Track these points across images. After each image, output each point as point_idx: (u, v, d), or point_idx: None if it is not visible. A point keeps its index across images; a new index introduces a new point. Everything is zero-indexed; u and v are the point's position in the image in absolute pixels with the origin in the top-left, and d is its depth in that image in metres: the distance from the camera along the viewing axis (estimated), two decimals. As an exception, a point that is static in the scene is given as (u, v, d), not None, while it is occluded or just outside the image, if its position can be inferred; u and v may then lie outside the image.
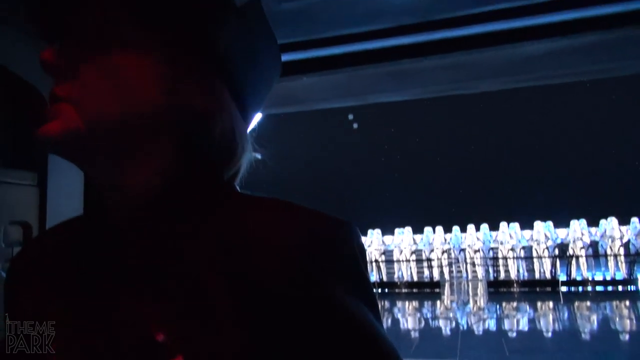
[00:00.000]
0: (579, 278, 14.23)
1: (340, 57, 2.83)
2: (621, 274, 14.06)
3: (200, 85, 0.55)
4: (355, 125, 19.83)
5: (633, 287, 13.45)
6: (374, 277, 15.58)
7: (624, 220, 14.57)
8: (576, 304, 12.27)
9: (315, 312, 0.48)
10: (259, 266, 0.49)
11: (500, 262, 15.34)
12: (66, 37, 0.53)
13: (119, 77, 0.51)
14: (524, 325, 10.11)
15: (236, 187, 0.61)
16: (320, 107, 3.73)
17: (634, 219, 14.49)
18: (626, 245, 14.32)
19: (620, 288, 13.70)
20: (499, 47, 2.63)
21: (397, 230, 16.76)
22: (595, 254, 14.75)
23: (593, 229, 14.96)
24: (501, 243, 15.56)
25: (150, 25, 0.53)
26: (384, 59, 2.82)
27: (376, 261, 15.82)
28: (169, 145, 0.55)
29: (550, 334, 9.16)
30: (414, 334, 9.26)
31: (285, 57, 2.96)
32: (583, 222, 15.08)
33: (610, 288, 13.78)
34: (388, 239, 16.73)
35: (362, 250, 0.54)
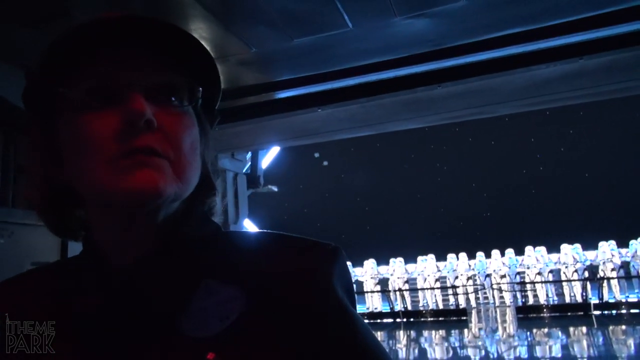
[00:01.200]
0: (611, 301, 13.71)
1: (354, 88, 2.86)
2: (656, 295, 13.53)
3: (207, 147, 0.66)
4: (325, 163, 19.65)
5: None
6: (398, 306, 15.28)
7: (655, 240, 14.08)
8: (611, 328, 11.79)
9: (334, 320, 0.56)
10: (283, 289, 0.56)
11: (528, 286, 14.92)
12: (152, 94, 0.56)
13: (196, 148, 0.59)
14: (557, 352, 9.72)
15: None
16: (337, 138, 3.76)
17: (666, 238, 14.01)
18: (659, 265, 13.81)
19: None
20: (514, 72, 2.62)
21: (419, 258, 16.48)
22: (628, 275, 14.25)
23: (623, 250, 14.49)
24: (528, 267, 15.16)
25: (202, 105, 0.62)
26: (398, 88, 2.84)
27: (400, 290, 15.54)
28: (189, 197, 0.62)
29: (586, 361, 8.78)
30: (443, 365, 8.97)
31: (298, 91, 3.00)
32: (612, 243, 14.62)
33: (645, 310, 13.23)
34: (411, 267, 16.45)
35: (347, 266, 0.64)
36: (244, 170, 5.60)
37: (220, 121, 0.71)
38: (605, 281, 13.82)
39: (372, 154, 19.86)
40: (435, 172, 19.68)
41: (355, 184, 20.00)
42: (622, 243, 14.56)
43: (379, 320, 14.94)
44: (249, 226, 6.87)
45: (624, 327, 11.85)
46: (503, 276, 15.36)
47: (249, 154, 5.75)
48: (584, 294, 13.93)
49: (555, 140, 18.68)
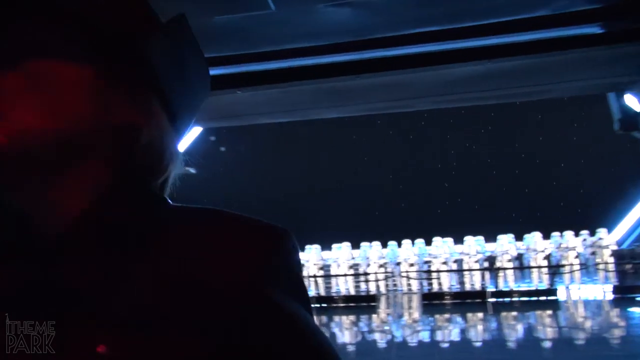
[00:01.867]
0: (506, 289, 14.93)
1: (275, 73, 2.83)
2: (543, 285, 14.92)
3: (129, 96, 0.55)
4: (222, 149, 18.96)
5: (554, 297, 14.30)
6: (312, 291, 15.55)
7: (546, 235, 15.58)
8: (503, 314, 12.84)
9: (259, 316, 0.50)
10: (205, 277, 0.50)
11: (434, 274, 15.81)
12: None
13: (45, 88, 0.50)
14: (455, 336, 10.43)
15: (166, 197, 0.60)
16: (256, 122, 3.71)
17: (555, 233, 15.52)
18: (547, 258, 15.26)
19: (543, 298, 14.52)
20: (428, 68, 2.73)
21: (335, 246, 16.86)
22: (520, 266, 15.57)
23: (519, 243, 15.80)
24: (435, 257, 16.05)
25: (75, 34, 0.51)
26: (318, 75, 2.85)
27: (314, 276, 15.82)
28: (98, 159, 0.54)
29: (480, 344, 9.51)
30: (351, 348, 9.31)
31: (218, 71, 2.92)
32: (510, 236, 15.90)
33: (534, 298, 14.56)
34: (327, 254, 16.79)
35: (298, 254, 0.57)
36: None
37: None
38: (501, 271, 15.01)
39: (295, 142, 19.93)
40: (354, 162, 20.16)
41: (276, 171, 19.98)
42: (518, 237, 15.89)
43: (292, 306, 15.12)
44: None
45: (514, 313, 12.96)
46: (412, 264, 16.14)
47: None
48: (483, 282, 15.04)
49: (467, 138, 19.86)
